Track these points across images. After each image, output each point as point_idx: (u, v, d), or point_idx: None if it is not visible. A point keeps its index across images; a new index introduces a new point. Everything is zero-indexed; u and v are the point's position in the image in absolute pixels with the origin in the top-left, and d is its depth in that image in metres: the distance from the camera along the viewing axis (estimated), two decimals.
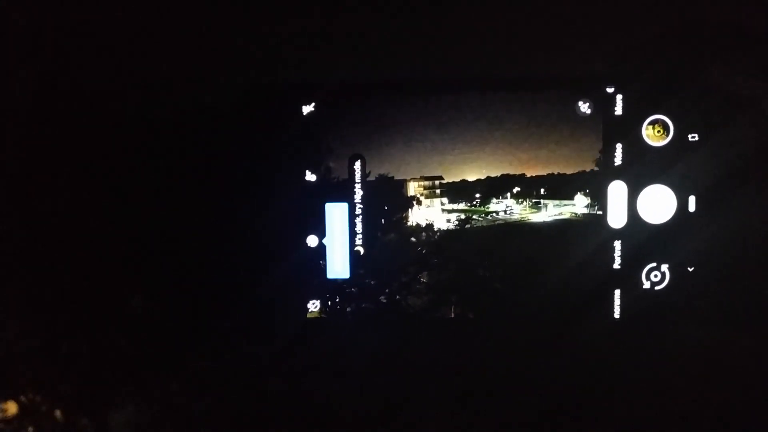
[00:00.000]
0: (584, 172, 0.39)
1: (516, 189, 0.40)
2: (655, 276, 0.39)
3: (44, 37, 0.36)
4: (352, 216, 0.40)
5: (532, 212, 0.41)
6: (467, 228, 0.40)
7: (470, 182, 0.40)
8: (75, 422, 0.36)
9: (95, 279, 0.38)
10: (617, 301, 0.40)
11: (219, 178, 0.39)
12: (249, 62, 0.38)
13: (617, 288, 0.39)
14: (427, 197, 0.40)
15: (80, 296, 0.37)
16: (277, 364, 0.38)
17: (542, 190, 0.40)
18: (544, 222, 0.40)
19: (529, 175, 0.40)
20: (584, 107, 0.39)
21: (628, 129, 0.38)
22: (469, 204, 0.40)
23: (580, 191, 0.39)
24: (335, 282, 0.40)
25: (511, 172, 0.40)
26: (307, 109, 0.39)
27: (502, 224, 0.41)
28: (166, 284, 0.39)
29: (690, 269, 0.39)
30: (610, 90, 0.38)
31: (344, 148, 0.40)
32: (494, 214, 0.41)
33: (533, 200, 0.40)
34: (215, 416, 0.37)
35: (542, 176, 0.39)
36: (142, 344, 0.37)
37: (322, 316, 0.40)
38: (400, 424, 0.39)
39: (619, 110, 0.38)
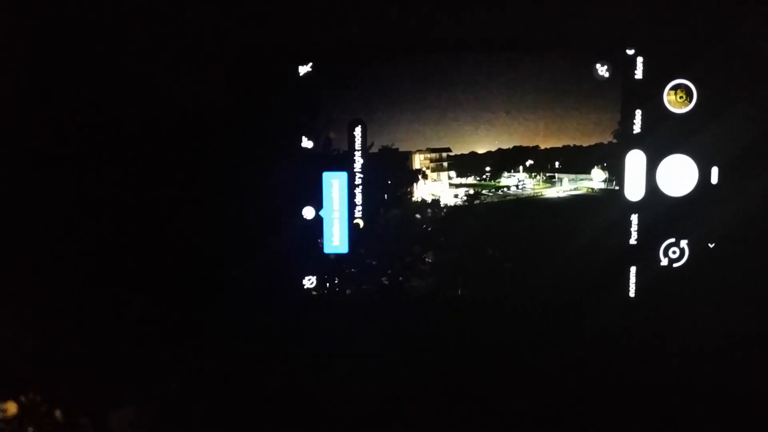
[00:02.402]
0: (601, 144, 0.37)
1: (529, 162, 0.38)
2: (674, 252, 0.38)
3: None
4: (351, 186, 0.37)
5: (545, 187, 0.38)
6: (476, 204, 0.38)
7: (480, 155, 0.37)
8: (75, 422, 0.35)
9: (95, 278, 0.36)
10: (632, 279, 0.38)
11: (208, 144, 0.36)
12: (239, 19, 0.35)
13: (633, 265, 0.38)
14: (433, 171, 0.38)
15: (80, 296, 0.36)
16: (277, 352, 0.36)
17: (557, 164, 0.38)
18: (558, 197, 0.38)
19: (543, 147, 0.37)
20: (602, 70, 0.36)
21: (648, 94, 0.37)
22: (478, 178, 0.38)
23: (596, 165, 0.37)
24: (333, 257, 0.37)
25: (524, 144, 0.37)
26: (303, 70, 0.36)
27: (514, 200, 0.38)
28: (163, 272, 0.37)
29: (711, 246, 0.37)
30: (630, 52, 0.36)
31: (344, 114, 0.36)
32: (505, 189, 0.38)
33: (547, 174, 0.38)
34: (215, 416, 0.36)
35: (557, 148, 0.37)
36: (142, 344, 0.36)
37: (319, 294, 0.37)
38: (404, 417, 0.37)
39: (639, 74, 0.36)
